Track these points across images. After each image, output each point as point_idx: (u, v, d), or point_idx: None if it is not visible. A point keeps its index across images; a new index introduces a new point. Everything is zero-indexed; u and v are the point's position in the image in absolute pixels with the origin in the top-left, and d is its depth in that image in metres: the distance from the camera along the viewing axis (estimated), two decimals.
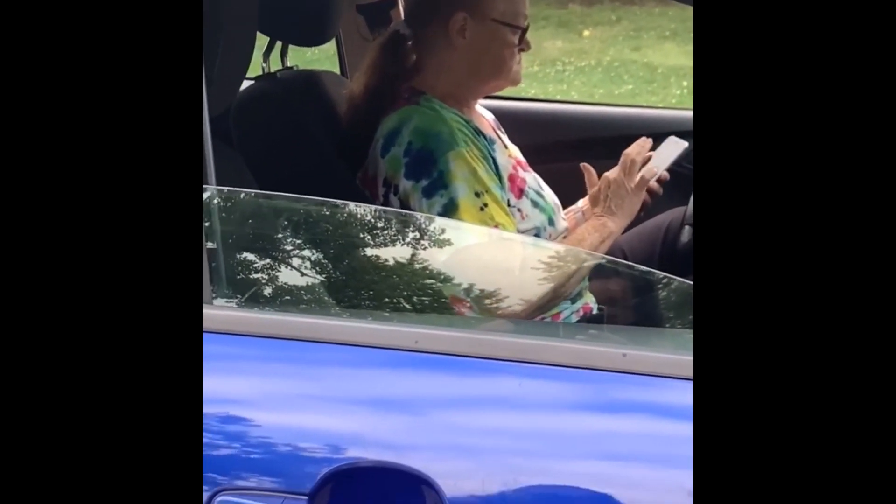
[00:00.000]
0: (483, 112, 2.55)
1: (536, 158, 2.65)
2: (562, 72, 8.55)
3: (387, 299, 1.57)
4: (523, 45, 2.39)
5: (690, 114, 3.31)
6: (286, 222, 1.57)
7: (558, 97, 7.88)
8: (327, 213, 1.61)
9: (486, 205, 2.23)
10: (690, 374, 1.10)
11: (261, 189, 2.27)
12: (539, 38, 9.07)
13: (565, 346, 1.19)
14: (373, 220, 1.72)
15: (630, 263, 2.65)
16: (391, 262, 1.61)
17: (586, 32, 9.31)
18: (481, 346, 1.16)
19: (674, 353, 1.18)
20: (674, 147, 2.51)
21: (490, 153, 2.31)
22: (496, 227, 2.22)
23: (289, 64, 2.54)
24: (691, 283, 1.41)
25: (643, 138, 2.45)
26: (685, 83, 7.94)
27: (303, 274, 1.53)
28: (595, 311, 2.35)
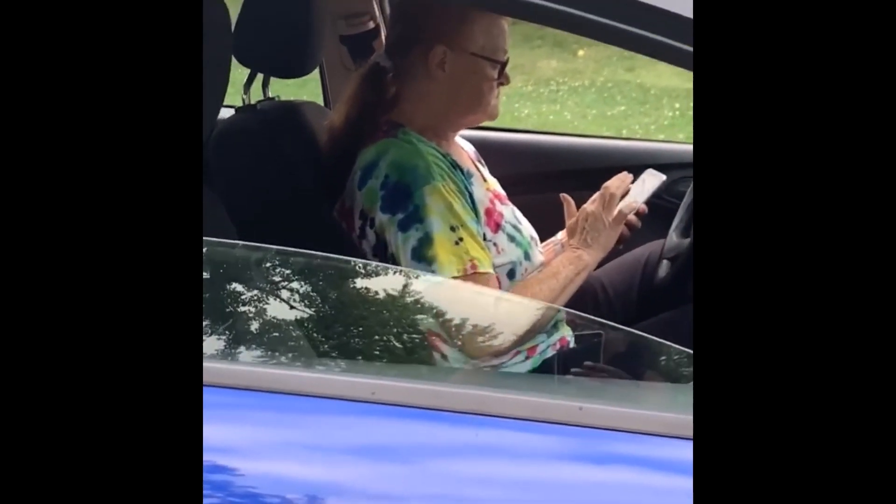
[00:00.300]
0: (463, 144, 2.57)
1: (518, 189, 2.67)
2: (555, 91, 8.57)
3: (354, 343, 1.58)
4: (502, 80, 2.40)
5: (670, 146, 3.34)
6: (250, 271, 1.58)
7: (551, 117, 7.90)
8: (293, 261, 1.61)
9: (461, 239, 2.24)
10: (649, 428, 1.12)
11: (234, 221, 2.29)
12: (534, 58, 9.12)
13: (521, 398, 1.19)
14: (340, 268, 1.72)
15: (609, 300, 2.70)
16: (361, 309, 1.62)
17: (581, 52, 9.33)
18: (438, 398, 1.17)
19: (633, 406, 1.19)
20: (652, 180, 2.53)
21: (467, 187, 2.33)
22: (471, 261, 2.23)
23: (270, 95, 2.56)
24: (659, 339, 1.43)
25: (624, 173, 2.46)
26: (677, 105, 7.96)
27: (272, 324, 1.54)
28: (572, 345, 2.36)
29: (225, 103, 2.20)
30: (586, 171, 3.03)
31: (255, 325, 1.52)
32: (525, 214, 2.51)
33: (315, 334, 1.59)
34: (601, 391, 1.44)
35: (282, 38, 2.40)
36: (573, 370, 1.75)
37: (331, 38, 2.82)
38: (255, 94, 2.48)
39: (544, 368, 2.25)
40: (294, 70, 2.47)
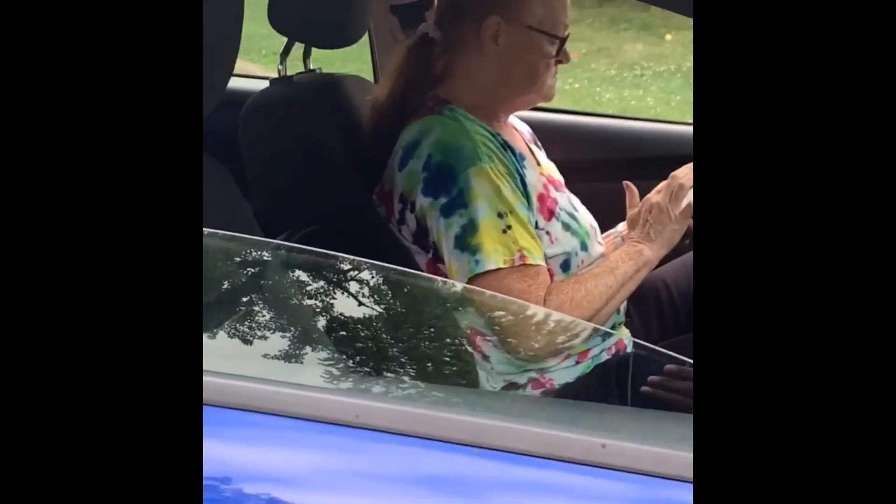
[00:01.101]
0: (517, 125, 2.36)
1: (579, 176, 2.45)
2: (640, 76, 8.31)
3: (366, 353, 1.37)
4: (561, 57, 2.19)
5: None
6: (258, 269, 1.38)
7: (633, 102, 7.67)
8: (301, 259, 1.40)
9: (509, 227, 2.03)
10: (680, 473, 0.93)
11: (259, 202, 2.10)
12: (620, 41, 8.87)
13: (532, 430, 0.98)
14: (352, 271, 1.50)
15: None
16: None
17: (668, 36, 9.06)
18: (433, 425, 0.96)
19: (665, 445, 0.98)
20: None
21: (518, 170, 2.11)
22: (520, 251, 2.03)
23: (312, 67, 2.37)
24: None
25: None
26: None
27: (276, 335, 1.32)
28: (629, 350, 2.13)
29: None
30: (654, 159, 2.77)
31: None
32: (585, 204, 2.29)
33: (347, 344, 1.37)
34: (632, 420, 1.23)
35: (321, 4, 2.20)
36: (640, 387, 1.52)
37: (380, 7, 2.62)
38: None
39: (597, 374, 2.03)
40: (334, 40, 2.27)
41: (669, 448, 0.97)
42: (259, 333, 1.31)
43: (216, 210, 1.69)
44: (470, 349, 1.77)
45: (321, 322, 1.44)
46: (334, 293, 1.43)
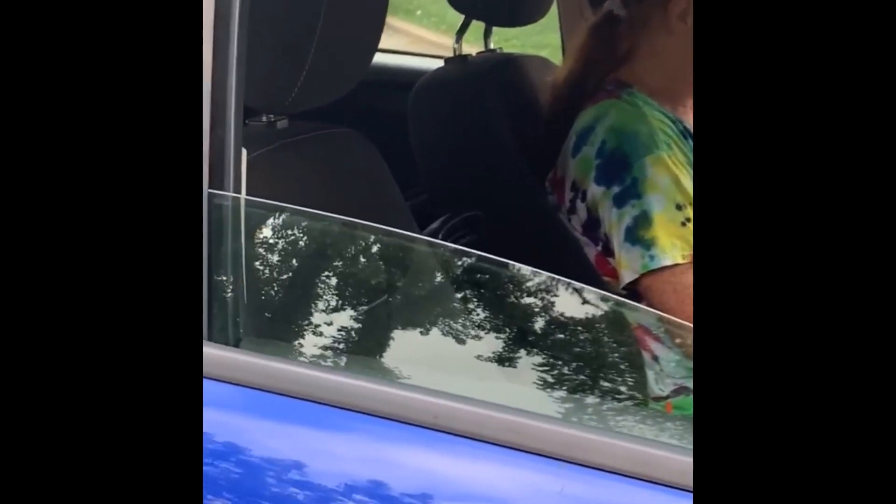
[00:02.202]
0: None
1: None
2: None
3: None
4: None
5: None
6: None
7: None
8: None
9: (688, 219, 1.89)
10: None
11: (427, 186, 2.02)
12: None
13: (622, 445, 0.86)
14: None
15: None
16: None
17: None
18: (517, 431, 0.86)
19: None
20: None
21: None
22: None
23: (493, 46, 2.27)
24: None
25: None
26: None
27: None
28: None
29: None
30: None
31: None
32: None
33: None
34: None
35: None
36: None
37: None
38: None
39: None
40: (515, 18, 2.17)
41: None
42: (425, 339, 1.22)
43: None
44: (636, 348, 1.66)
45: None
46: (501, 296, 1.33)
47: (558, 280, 1.37)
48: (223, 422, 1.00)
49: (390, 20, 1.73)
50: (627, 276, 1.91)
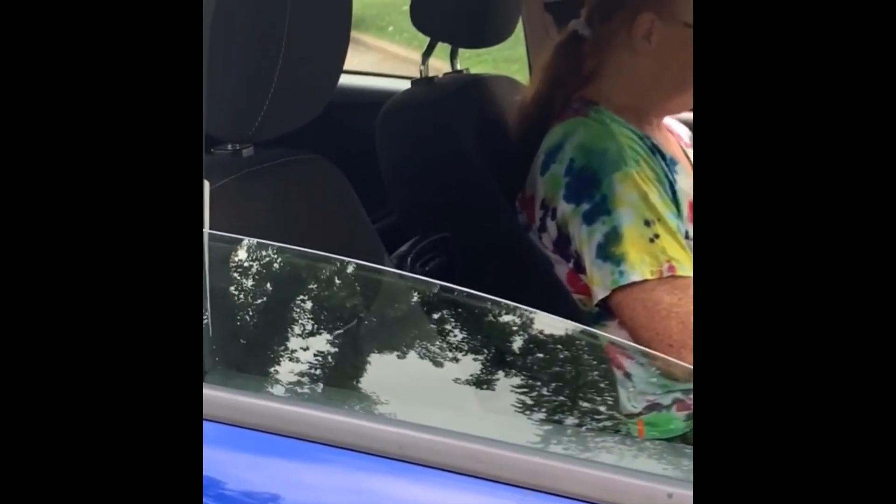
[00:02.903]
0: (675, 127, 2.21)
1: None
2: None
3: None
4: None
5: None
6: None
7: None
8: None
9: (657, 235, 1.90)
10: None
11: (397, 209, 2.02)
12: None
13: (589, 472, 0.86)
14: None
15: None
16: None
17: None
18: (479, 460, 0.86)
19: None
20: None
21: (668, 175, 1.98)
22: (668, 262, 1.89)
23: (459, 67, 2.28)
24: None
25: None
26: None
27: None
28: None
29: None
30: None
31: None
32: None
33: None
34: None
35: (466, 1, 2.11)
36: None
37: (534, 5, 2.51)
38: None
39: None
40: (480, 39, 2.17)
41: None
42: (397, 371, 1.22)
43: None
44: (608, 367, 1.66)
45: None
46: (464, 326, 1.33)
47: (521, 309, 1.38)
48: None
49: (363, 38, 1.73)
50: (599, 293, 1.91)
